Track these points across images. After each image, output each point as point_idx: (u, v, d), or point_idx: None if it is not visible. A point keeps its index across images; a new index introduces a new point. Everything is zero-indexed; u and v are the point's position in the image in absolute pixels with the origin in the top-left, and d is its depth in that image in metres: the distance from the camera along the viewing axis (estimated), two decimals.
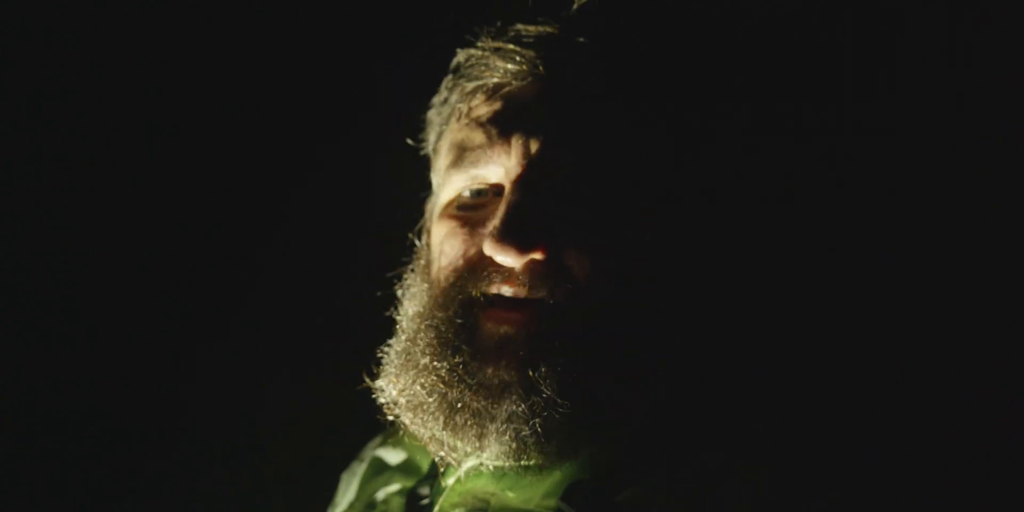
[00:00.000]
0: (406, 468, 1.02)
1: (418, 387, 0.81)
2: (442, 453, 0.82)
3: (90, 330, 1.44)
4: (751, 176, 0.93)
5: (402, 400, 0.83)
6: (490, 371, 0.78)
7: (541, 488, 0.83)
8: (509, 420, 0.76)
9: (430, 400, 0.80)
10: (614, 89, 0.82)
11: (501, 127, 0.83)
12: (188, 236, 1.46)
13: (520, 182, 0.81)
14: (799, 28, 1.05)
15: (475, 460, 0.86)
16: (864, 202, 1.08)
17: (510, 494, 0.84)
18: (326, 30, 1.39)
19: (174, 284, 1.46)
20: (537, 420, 0.76)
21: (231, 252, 1.46)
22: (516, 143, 0.82)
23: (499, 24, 0.87)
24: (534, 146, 0.81)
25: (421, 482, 0.97)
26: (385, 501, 1.00)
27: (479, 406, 0.78)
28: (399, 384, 0.84)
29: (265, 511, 1.31)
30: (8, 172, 1.40)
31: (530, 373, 0.76)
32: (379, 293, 0.94)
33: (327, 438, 0.95)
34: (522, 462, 0.80)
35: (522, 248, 0.78)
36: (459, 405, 0.78)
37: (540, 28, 0.84)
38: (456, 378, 0.79)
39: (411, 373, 0.83)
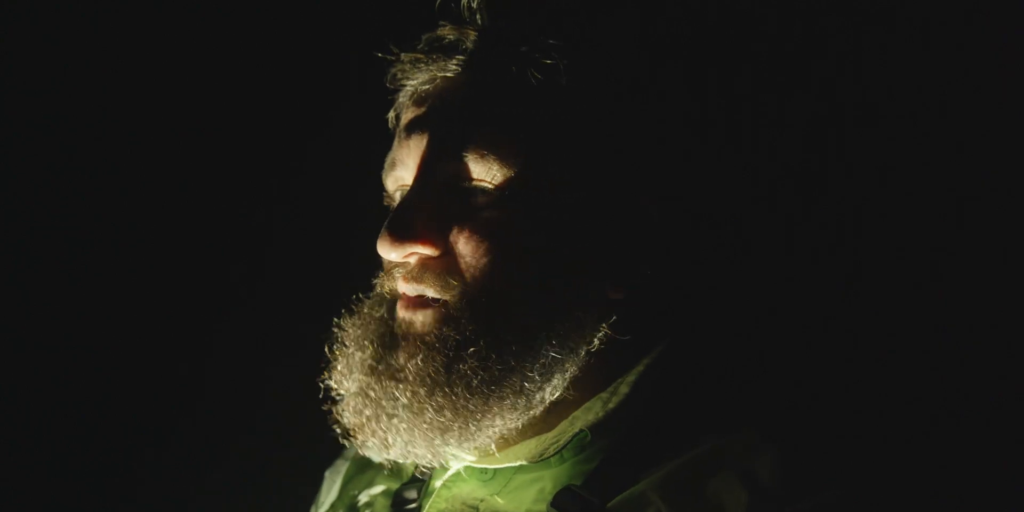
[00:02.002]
0: (391, 467, 1.02)
1: (349, 380, 0.85)
2: (362, 440, 0.83)
3: (89, 331, 1.44)
4: (715, 171, 0.94)
5: (342, 392, 0.86)
6: (391, 359, 0.81)
7: (530, 493, 0.83)
8: (394, 409, 0.79)
9: (352, 388, 0.84)
10: (501, 81, 0.83)
11: (408, 129, 0.85)
12: (187, 236, 1.46)
13: (415, 180, 0.83)
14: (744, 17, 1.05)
15: (460, 463, 0.86)
16: (850, 197, 1.08)
17: (499, 500, 0.84)
18: (307, 41, 1.40)
19: (170, 285, 1.46)
20: (417, 417, 0.79)
21: (231, 252, 1.46)
22: (415, 143, 0.83)
23: (417, 34, 0.89)
24: (429, 144, 0.82)
25: (406, 484, 0.97)
26: (369, 503, 1.00)
27: (376, 395, 0.81)
28: (338, 377, 0.87)
29: (248, 509, 1.31)
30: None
31: (414, 363, 0.79)
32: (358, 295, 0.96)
33: (311, 435, 0.96)
34: (502, 465, 0.81)
35: (396, 241, 0.79)
36: (365, 391, 0.82)
37: (440, 32, 0.86)
38: (367, 365, 0.82)
39: (347, 366, 0.86)
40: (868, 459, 0.77)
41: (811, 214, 1.08)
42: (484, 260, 0.79)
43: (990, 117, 1.05)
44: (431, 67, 0.85)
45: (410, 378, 0.79)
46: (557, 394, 0.82)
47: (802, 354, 1.01)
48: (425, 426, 0.79)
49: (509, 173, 0.80)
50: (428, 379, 0.78)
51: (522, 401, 0.79)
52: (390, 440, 0.81)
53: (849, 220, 1.08)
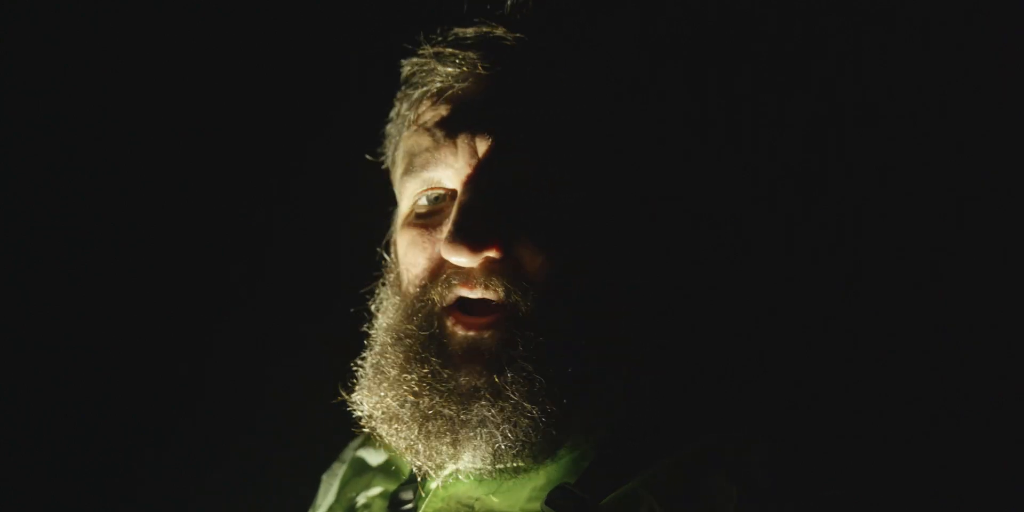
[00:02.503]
0: (387, 470, 1.01)
1: (390, 400, 0.81)
2: (419, 463, 0.81)
3: (89, 331, 1.44)
4: (714, 171, 0.93)
5: (376, 413, 0.83)
6: (460, 378, 0.78)
7: (524, 492, 0.83)
8: (481, 425, 0.76)
9: (403, 411, 0.80)
10: (556, 83, 0.82)
11: (446, 129, 0.83)
12: (187, 236, 1.46)
13: (469, 183, 0.81)
14: (770, 20, 1.05)
15: (456, 465, 0.85)
16: (850, 197, 1.08)
17: (494, 499, 0.84)
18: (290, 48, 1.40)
19: (170, 285, 1.46)
20: (507, 426, 0.76)
21: (231, 252, 1.46)
22: (462, 144, 0.82)
23: (438, 29, 0.87)
24: (480, 145, 0.81)
25: (403, 486, 0.96)
26: (367, 505, 1.00)
27: (451, 413, 0.78)
28: (372, 398, 0.84)
29: (248, 509, 1.31)
30: None
31: (496, 379, 0.76)
32: (352, 309, 0.95)
33: (308, 438, 0.96)
34: (499, 466, 0.81)
35: (473, 247, 0.77)
36: (431, 413, 0.78)
37: (478, 28, 0.84)
38: (427, 387, 0.79)
39: (383, 386, 0.83)
40: (866, 459, 0.77)
41: (811, 214, 1.08)
42: (550, 261, 0.78)
43: (990, 117, 1.05)
44: (462, 63, 0.83)
45: (502, 391, 0.76)
46: None
47: (802, 354, 1.01)
48: (516, 434, 0.76)
49: (559, 174, 0.80)
50: (522, 387, 0.76)
51: (603, 393, 0.79)
52: (465, 455, 0.78)
53: (849, 220, 1.08)
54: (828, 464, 0.76)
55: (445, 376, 0.79)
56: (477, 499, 0.85)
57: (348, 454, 1.09)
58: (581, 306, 0.78)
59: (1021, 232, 1.03)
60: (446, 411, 0.78)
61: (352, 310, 0.95)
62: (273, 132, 1.43)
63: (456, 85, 0.84)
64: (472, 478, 0.85)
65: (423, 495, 0.90)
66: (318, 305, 1.34)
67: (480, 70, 0.83)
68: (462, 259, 0.78)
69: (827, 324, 1.05)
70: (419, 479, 0.92)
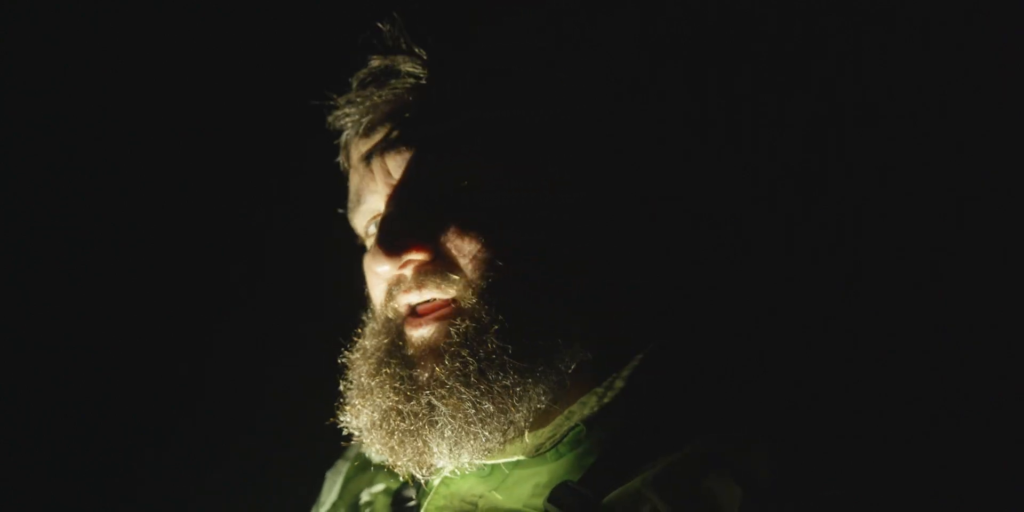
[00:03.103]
0: (390, 466, 1.02)
1: (367, 409, 0.84)
2: (401, 463, 0.83)
3: (89, 331, 1.44)
4: (714, 172, 0.94)
5: (361, 425, 0.86)
6: (414, 373, 0.81)
7: (527, 489, 0.83)
8: (433, 416, 0.79)
9: (375, 416, 0.83)
10: (554, 83, 0.84)
11: (365, 160, 0.88)
12: (187, 236, 1.46)
13: (388, 199, 0.86)
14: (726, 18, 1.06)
15: (437, 462, 0.86)
16: (850, 197, 1.09)
17: (497, 495, 0.85)
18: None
19: (170, 285, 1.46)
20: (457, 414, 0.79)
21: (231, 252, 1.46)
22: (376, 168, 0.86)
23: (347, 77, 0.92)
24: (390, 164, 0.86)
25: (406, 483, 0.97)
26: (370, 502, 1.00)
27: (409, 409, 0.81)
28: (353, 411, 0.87)
29: (248, 509, 1.31)
30: None
31: (436, 368, 0.80)
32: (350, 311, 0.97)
33: (313, 436, 0.96)
34: (481, 460, 0.82)
35: (391, 253, 0.82)
36: (394, 412, 0.81)
37: (370, 66, 0.89)
38: (389, 389, 0.82)
39: (359, 398, 0.86)
40: (867, 459, 0.77)
41: (811, 214, 1.08)
42: (479, 252, 0.81)
43: (990, 117, 1.05)
44: (366, 99, 0.89)
45: (442, 379, 0.79)
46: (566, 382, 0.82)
47: (801, 354, 1.01)
48: (466, 422, 0.79)
49: (495, 173, 0.82)
50: (459, 374, 0.79)
51: (552, 373, 0.80)
52: (434, 448, 0.81)
53: (849, 220, 1.08)
54: (829, 464, 0.76)
55: (403, 374, 0.82)
56: (480, 496, 0.86)
57: (352, 451, 1.09)
58: (512, 293, 0.80)
59: (1021, 232, 1.03)
60: (405, 408, 0.81)
61: (349, 311, 0.96)
62: (273, 132, 1.43)
63: (363, 120, 0.90)
64: (474, 475, 0.86)
65: (426, 492, 0.91)
66: (318, 305, 1.35)
67: (378, 100, 0.88)
68: (384, 266, 0.82)
69: (827, 324, 1.05)
70: (420, 477, 0.93)
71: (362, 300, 0.96)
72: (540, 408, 0.81)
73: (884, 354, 1.03)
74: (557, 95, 0.83)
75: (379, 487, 1.01)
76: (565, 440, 0.82)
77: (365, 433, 0.85)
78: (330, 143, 0.99)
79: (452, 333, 0.80)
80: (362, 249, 0.97)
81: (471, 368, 0.79)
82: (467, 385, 0.79)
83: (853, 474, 0.75)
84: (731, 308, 0.98)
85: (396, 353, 0.84)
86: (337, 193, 1.38)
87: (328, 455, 1.13)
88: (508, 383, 0.79)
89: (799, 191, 1.08)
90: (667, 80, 0.89)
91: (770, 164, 1.07)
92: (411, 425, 0.81)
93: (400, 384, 0.82)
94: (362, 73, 0.90)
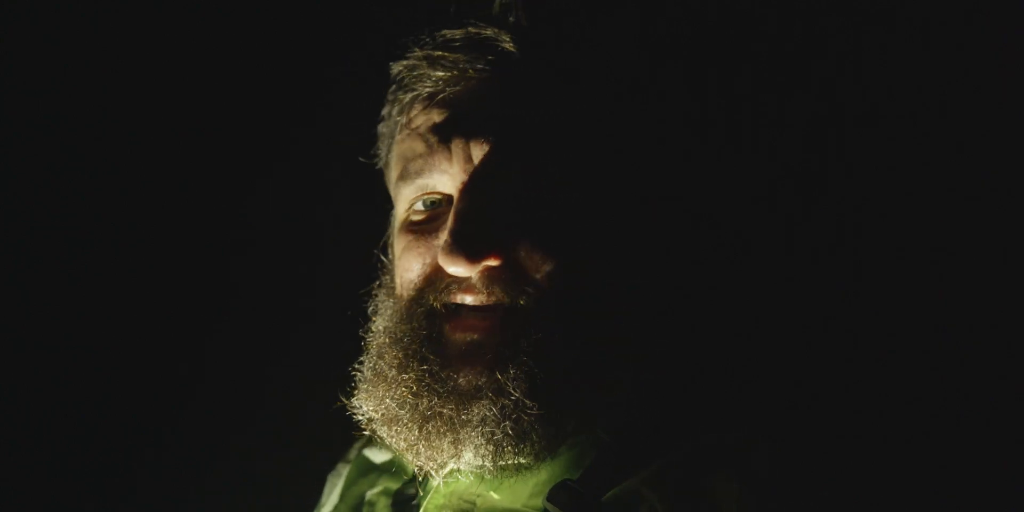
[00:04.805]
0: (391, 468, 1.02)
1: (389, 401, 0.81)
2: (420, 462, 0.81)
3: (89, 331, 1.43)
4: (715, 171, 0.94)
5: (376, 415, 0.83)
6: (459, 378, 0.78)
7: (527, 489, 0.83)
8: (482, 424, 0.77)
9: (402, 412, 0.80)
10: (556, 83, 0.82)
11: (440, 135, 0.82)
12: (187, 236, 1.46)
13: (466, 190, 0.81)
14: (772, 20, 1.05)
15: (457, 464, 0.86)
16: (850, 197, 1.09)
17: (495, 495, 0.84)
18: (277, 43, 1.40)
19: (170, 285, 1.46)
20: (508, 423, 0.76)
21: (231, 252, 1.46)
22: (456, 150, 0.81)
23: (427, 31, 0.86)
24: (475, 151, 0.81)
25: (407, 483, 0.97)
26: (370, 502, 1.00)
27: (450, 413, 0.78)
28: (371, 400, 0.84)
29: (248, 509, 1.31)
30: None
31: (498, 376, 0.76)
32: (350, 312, 0.95)
33: (308, 438, 0.96)
34: (501, 463, 0.81)
35: (472, 258, 0.78)
36: (430, 413, 0.78)
37: (467, 30, 0.83)
38: (425, 387, 0.79)
39: (381, 387, 0.83)
40: (866, 458, 0.77)
41: (811, 214, 1.08)
42: (550, 263, 0.79)
43: (990, 117, 1.05)
44: (452, 67, 0.83)
45: (505, 389, 0.76)
46: None
47: (802, 354, 1.01)
48: (508, 432, 0.77)
49: (558, 176, 0.80)
50: (524, 384, 0.76)
51: (601, 388, 0.79)
52: (462, 453, 0.79)
53: (849, 220, 1.08)
54: (828, 463, 0.76)
55: (443, 376, 0.79)
56: (479, 496, 0.86)
57: (353, 454, 1.09)
58: (581, 305, 0.79)
59: (1021, 232, 1.03)
60: (445, 411, 0.78)
61: (349, 313, 0.95)
62: (273, 132, 1.43)
63: (448, 89, 0.84)
64: (474, 475, 0.86)
65: (426, 492, 0.91)
66: (318, 305, 1.34)
67: (471, 73, 0.82)
68: (460, 269, 0.78)
69: (827, 324, 1.05)
70: (419, 477, 0.92)
71: (362, 299, 0.96)
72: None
73: (884, 354, 1.03)
74: (557, 95, 0.83)
75: (380, 488, 1.01)
76: (564, 441, 0.82)
77: (380, 425, 0.83)
78: (330, 143, 0.99)
79: (521, 343, 0.77)
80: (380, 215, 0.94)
81: (538, 381, 0.76)
82: (533, 397, 0.76)
83: (852, 474, 0.75)
84: (731, 308, 0.98)
85: (436, 350, 0.80)
86: (338, 193, 1.38)
87: (329, 455, 1.13)
88: (568, 397, 0.77)
89: (799, 191, 1.08)
90: (667, 80, 0.89)
91: (770, 164, 1.07)
92: (452, 429, 0.78)
93: (440, 387, 0.78)
94: (454, 34, 0.84)
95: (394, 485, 0.99)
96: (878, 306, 1.06)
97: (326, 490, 1.09)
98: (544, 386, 0.76)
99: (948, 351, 1.02)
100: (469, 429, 0.77)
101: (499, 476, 0.84)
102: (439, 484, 0.87)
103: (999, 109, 1.05)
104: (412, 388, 0.80)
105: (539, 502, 0.81)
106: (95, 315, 1.43)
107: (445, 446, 0.79)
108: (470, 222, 0.79)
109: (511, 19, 0.83)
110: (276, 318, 1.44)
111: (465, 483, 0.87)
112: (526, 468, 0.83)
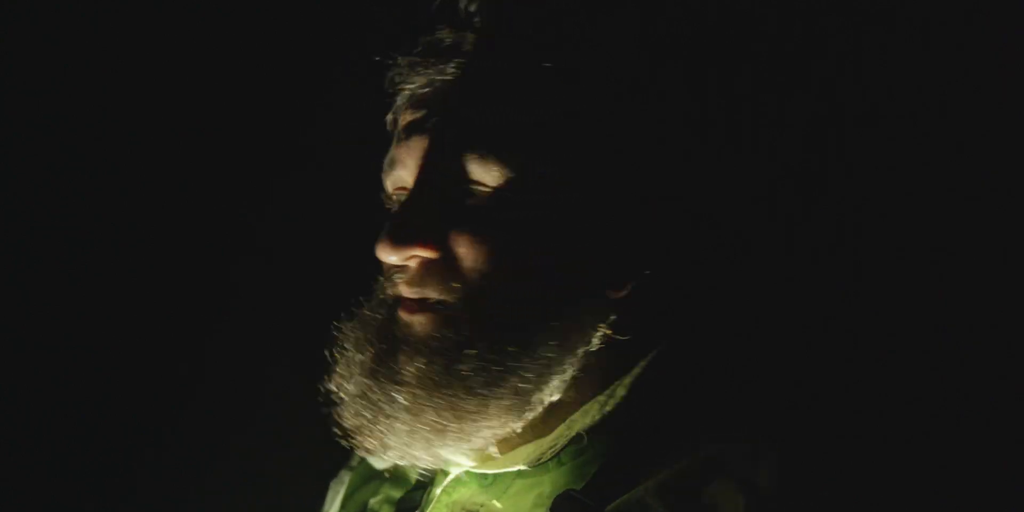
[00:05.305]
0: (394, 476, 1.01)
1: (348, 383, 0.84)
2: (360, 445, 0.83)
3: (89, 331, 1.44)
4: (714, 171, 0.94)
5: (339, 396, 0.85)
6: (396, 362, 0.80)
7: (530, 498, 0.83)
8: (404, 411, 0.79)
9: (352, 391, 0.83)
10: (499, 83, 0.82)
11: (407, 131, 0.84)
12: (187, 236, 1.46)
13: (416, 182, 0.82)
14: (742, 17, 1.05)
15: (460, 469, 0.86)
16: (851, 197, 1.09)
17: (498, 505, 0.84)
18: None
19: (170, 285, 1.46)
20: (417, 418, 0.78)
21: (231, 252, 1.46)
22: (415, 143, 0.83)
23: (411, 37, 0.88)
24: (428, 145, 0.82)
25: (409, 492, 0.97)
26: (372, 511, 1.00)
27: (377, 398, 0.80)
28: (339, 381, 0.86)
29: (248, 509, 1.31)
30: None
31: (421, 366, 0.78)
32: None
33: (311, 435, 0.96)
34: (501, 470, 0.81)
35: (395, 244, 0.79)
36: (365, 397, 0.81)
37: (447, 35, 0.85)
38: (369, 368, 0.81)
39: (340, 366, 0.85)
40: (868, 461, 0.77)
41: (811, 214, 1.08)
42: (484, 262, 0.79)
43: (990, 117, 1.05)
44: (428, 70, 0.85)
45: (411, 381, 0.78)
46: (556, 396, 0.81)
47: (802, 355, 1.01)
48: (424, 428, 0.79)
49: (508, 174, 0.79)
50: (429, 381, 0.78)
51: (519, 402, 0.79)
52: (388, 442, 0.81)
53: (849, 220, 1.08)
54: (831, 468, 0.76)
55: (387, 361, 0.81)
56: (482, 505, 0.85)
57: (355, 460, 1.09)
58: (504, 310, 0.79)
59: (1021, 232, 1.03)
60: (373, 395, 0.80)
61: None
62: (274, 132, 1.44)
63: (418, 92, 0.86)
64: (476, 483, 0.86)
65: (428, 502, 0.91)
66: (318, 305, 1.34)
67: (446, 75, 0.84)
68: (388, 257, 0.80)
69: (827, 324, 1.05)
70: (425, 484, 0.93)
71: (364, 299, 0.96)
72: (508, 429, 0.80)
73: (885, 354, 1.03)
74: (555, 95, 0.83)
75: (382, 497, 1.01)
76: (566, 450, 0.82)
77: (338, 405, 0.85)
78: (330, 143, 0.99)
79: (436, 339, 0.78)
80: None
81: (441, 380, 0.77)
82: (429, 395, 0.78)
83: (855, 478, 0.75)
84: (731, 309, 0.98)
85: (387, 335, 0.82)
86: (338, 192, 1.38)
87: (330, 457, 1.13)
88: (469, 407, 0.78)
89: (799, 191, 1.08)
90: (667, 80, 0.89)
91: (770, 164, 1.07)
92: (373, 413, 0.80)
93: (381, 369, 0.80)
94: (430, 39, 0.86)
95: (396, 493, 0.99)
96: (878, 306, 1.06)
97: (328, 497, 1.09)
98: (451, 386, 0.77)
99: (948, 351, 1.02)
100: (382, 414, 0.80)
101: (498, 483, 0.84)
102: (441, 493, 0.87)
103: (999, 109, 1.05)
104: (363, 368, 0.82)
105: (543, 511, 0.80)
106: (95, 315, 1.43)
107: (373, 432, 0.81)
108: (405, 211, 0.81)
109: (477, 21, 0.84)
110: (276, 318, 1.44)
111: (468, 492, 0.87)
112: (525, 475, 0.83)
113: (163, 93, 1.43)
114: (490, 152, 0.79)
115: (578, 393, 0.83)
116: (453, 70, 0.83)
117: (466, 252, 0.79)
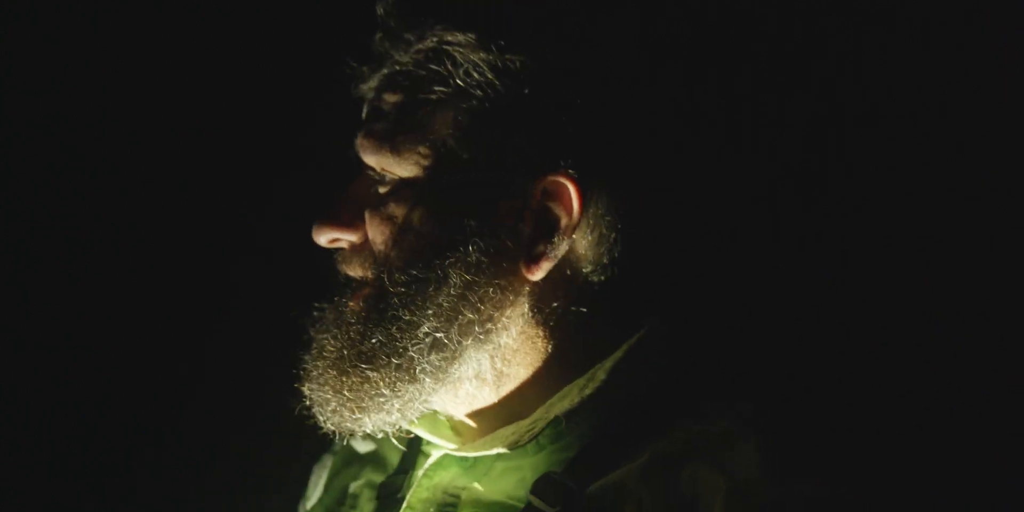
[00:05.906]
0: (375, 459, 1.03)
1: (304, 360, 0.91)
2: (378, 433, 0.87)
3: (89, 331, 1.44)
4: (714, 171, 0.94)
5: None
6: (326, 338, 0.87)
7: (511, 480, 0.83)
8: (320, 385, 0.86)
9: (307, 367, 0.90)
10: (400, 77, 0.87)
11: (360, 127, 0.90)
12: (187, 236, 1.46)
13: (359, 173, 0.89)
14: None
15: (440, 452, 0.87)
16: (850, 197, 1.09)
17: (480, 487, 0.85)
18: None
19: (170, 285, 1.46)
20: (326, 389, 0.85)
21: (231, 252, 1.46)
22: (357, 142, 0.89)
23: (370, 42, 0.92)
24: (359, 142, 0.88)
25: (391, 475, 0.98)
26: (354, 495, 1.01)
27: (315, 371, 0.87)
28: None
29: (236, 505, 1.31)
30: None
31: (336, 341, 0.86)
32: None
33: (307, 438, 0.97)
34: (480, 453, 0.83)
35: (323, 229, 0.88)
36: (308, 371, 0.88)
37: (377, 40, 0.90)
38: (315, 349, 0.89)
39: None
40: (857, 451, 0.77)
41: (808, 209, 1.08)
42: (389, 242, 0.84)
43: (990, 117, 1.05)
44: (365, 75, 0.91)
45: (328, 351, 0.86)
46: (508, 375, 0.85)
47: (793, 346, 1.01)
48: (341, 397, 0.85)
49: (407, 162, 0.84)
50: (338, 353, 0.85)
51: (405, 378, 0.83)
52: (322, 412, 0.87)
53: (849, 220, 1.08)
54: (819, 457, 0.76)
55: (321, 337, 0.88)
56: (463, 488, 0.86)
57: (337, 445, 1.10)
58: (405, 285, 0.83)
59: (1021, 232, 1.03)
60: (313, 370, 0.88)
61: None
62: (274, 132, 1.44)
63: (372, 91, 0.91)
64: (458, 466, 0.87)
65: (409, 485, 0.91)
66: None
67: (372, 80, 0.90)
68: (317, 239, 0.89)
69: (819, 316, 1.05)
70: (407, 467, 0.95)
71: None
72: (416, 404, 0.85)
73: (877, 347, 1.03)
74: (458, 89, 0.83)
75: (364, 480, 1.02)
76: (545, 433, 0.81)
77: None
78: (329, 143, 1.00)
79: (351, 311, 0.85)
80: None
81: (347, 352, 0.84)
82: (336, 367, 0.85)
83: (842, 468, 0.75)
84: (721, 299, 0.98)
85: (331, 313, 0.89)
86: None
87: (301, 447, 1.13)
88: (371, 377, 0.83)
89: (798, 190, 1.08)
90: (666, 80, 0.89)
91: (770, 163, 1.07)
92: (316, 386, 0.87)
93: (312, 346, 0.89)
94: (369, 45, 0.92)
95: (377, 477, 1.00)
96: (871, 299, 1.06)
97: (312, 481, 1.10)
98: (350, 360, 0.84)
99: (941, 344, 1.02)
100: (324, 390, 0.86)
101: (479, 465, 0.85)
102: (423, 476, 0.88)
103: (999, 109, 1.05)
104: (315, 349, 0.89)
105: (524, 494, 0.80)
106: (95, 315, 1.43)
107: (317, 401, 0.87)
108: (339, 199, 0.89)
109: (391, 23, 0.88)
110: (276, 318, 1.44)
111: (450, 475, 0.87)
112: (506, 458, 0.84)
113: (163, 93, 1.44)
114: (384, 142, 0.85)
115: (558, 377, 0.84)
116: (377, 72, 0.90)
117: (374, 233, 0.85)
